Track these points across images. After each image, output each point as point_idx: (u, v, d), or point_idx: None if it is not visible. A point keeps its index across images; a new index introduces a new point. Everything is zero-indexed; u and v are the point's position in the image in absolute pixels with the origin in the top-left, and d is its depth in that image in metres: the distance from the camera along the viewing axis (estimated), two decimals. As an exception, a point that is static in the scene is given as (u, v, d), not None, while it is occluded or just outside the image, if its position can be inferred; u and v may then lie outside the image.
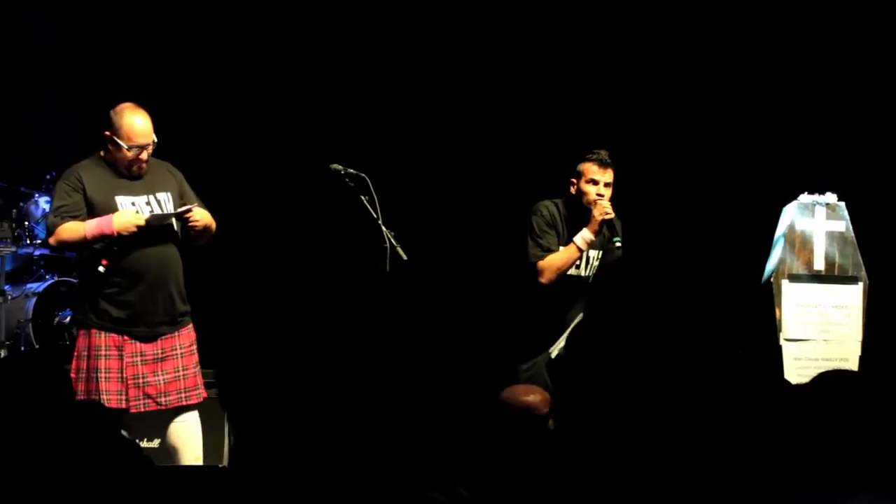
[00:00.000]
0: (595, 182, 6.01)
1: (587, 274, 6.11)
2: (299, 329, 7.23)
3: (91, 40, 8.22)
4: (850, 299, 6.51)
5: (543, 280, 5.97)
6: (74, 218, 5.32)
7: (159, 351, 5.40)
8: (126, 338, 5.33)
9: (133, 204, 5.40)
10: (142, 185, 5.44)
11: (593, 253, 6.09)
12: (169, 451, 5.56)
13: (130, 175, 5.44)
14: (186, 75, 8.05)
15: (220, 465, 5.39)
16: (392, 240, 5.64)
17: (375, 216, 5.65)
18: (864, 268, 6.52)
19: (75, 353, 5.41)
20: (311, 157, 6.74)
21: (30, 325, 7.46)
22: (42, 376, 3.45)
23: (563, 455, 2.87)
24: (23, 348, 7.43)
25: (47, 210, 7.78)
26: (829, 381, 2.89)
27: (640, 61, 8.16)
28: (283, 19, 8.23)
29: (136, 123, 5.37)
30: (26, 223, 7.76)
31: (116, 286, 5.35)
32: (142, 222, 5.29)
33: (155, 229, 5.39)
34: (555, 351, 5.99)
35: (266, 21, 8.23)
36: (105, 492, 2.90)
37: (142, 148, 5.39)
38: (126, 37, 8.18)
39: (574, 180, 6.06)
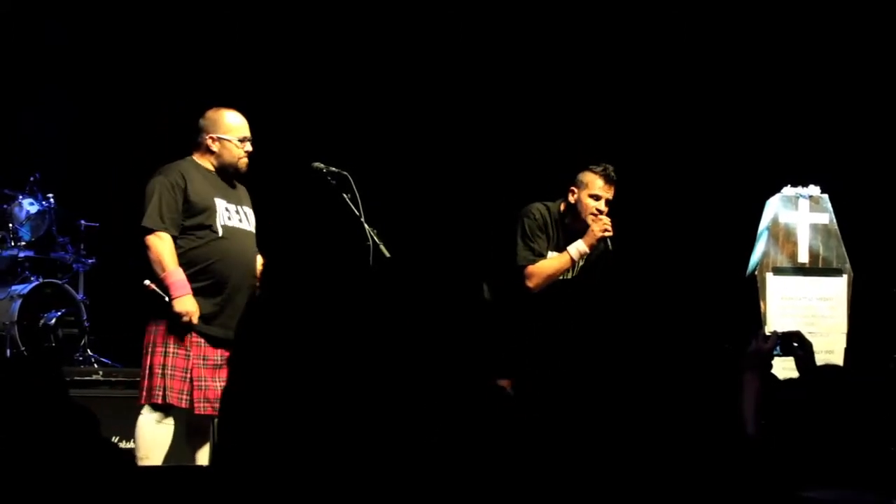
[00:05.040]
0: (598, 197, 5.96)
1: (571, 276, 6.10)
2: (283, 328, 7.19)
3: (89, 47, 8.22)
4: (834, 291, 6.52)
5: (531, 285, 5.96)
6: (175, 225, 5.34)
7: (219, 358, 5.39)
8: (193, 339, 5.34)
9: (227, 209, 5.47)
10: (234, 195, 5.55)
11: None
12: (186, 455, 5.57)
13: (235, 175, 5.55)
14: (172, 76, 8.05)
15: (203, 465, 5.37)
16: (375, 238, 5.64)
17: (358, 214, 5.66)
18: (848, 260, 6.52)
19: (144, 351, 5.41)
20: (293, 156, 6.74)
21: (15, 327, 7.43)
22: (29, 379, 3.45)
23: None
24: (9, 350, 7.41)
25: (31, 212, 7.79)
26: (821, 376, 2.89)
27: (623, 56, 8.17)
28: (270, 21, 8.23)
29: (235, 118, 5.56)
30: (10, 225, 7.74)
31: (201, 283, 5.37)
32: (194, 321, 5.31)
33: (243, 236, 5.49)
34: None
35: (252, 23, 8.23)
36: (85, 492, 2.89)
37: (248, 140, 5.54)
38: (118, 44, 8.19)
39: (574, 189, 6.02)
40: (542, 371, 5.81)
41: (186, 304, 5.28)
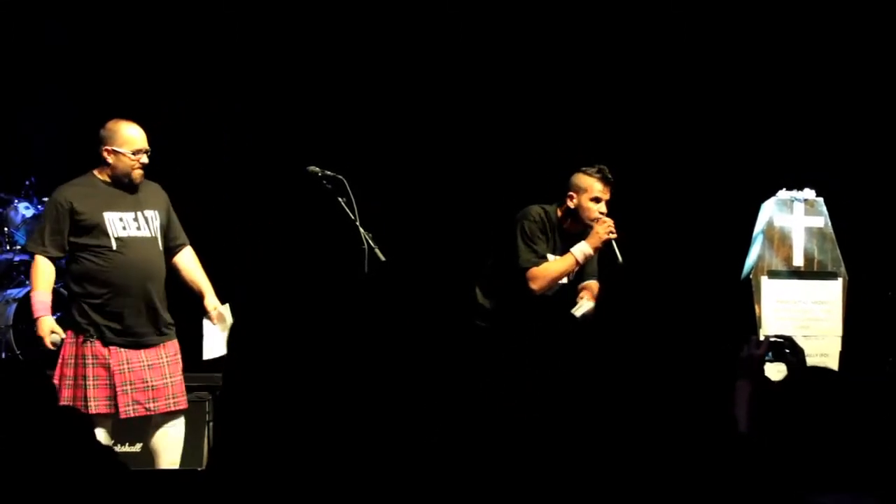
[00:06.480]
0: (598, 200, 5.97)
1: (571, 279, 6.10)
2: (279, 330, 7.18)
3: (89, 47, 8.21)
4: (829, 295, 6.51)
5: (535, 287, 5.94)
6: (57, 247, 5.55)
7: (145, 359, 5.52)
8: (112, 348, 5.46)
9: (121, 219, 5.55)
10: (131, 202, 5.61)
11: None
12: (151, 454, 5.67)
13: (130, 186, 5.60)
14: (172, 77, 8.05)
15: (199, 469, 5.40)
16: (370, 241, 5.65)
17: (353, 218, 5.67)
18: (843, 263, 6.52)
19: (60, 360, 5.52)
20: (289, 159, 6.74)
21: (11, 331, 7.43)
22: (22, 382, 3.45)
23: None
24: (3, 354, 7.41)
25: (27, 216, 7.79)
26: (812, 378, 2.90)
27: (619, 59, 8.17)
28: (269, 23, 8.22)
29: (132, 130, 5.59)
30: (6, 229, 7.74)
31: (103, 297, 5.51)
32: (47, 343, 5.49)
33: (140, 244, 5.55)
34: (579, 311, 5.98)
35: (250, 25, 8.22)
36: (80, 496, 2.89)
37: (142, 152, 5.56)
38: (118, 44, 8.18)
39: (573, 194, 6.01)
40: (540, 372, 5.81)
41: (41, 327, 5.51)
